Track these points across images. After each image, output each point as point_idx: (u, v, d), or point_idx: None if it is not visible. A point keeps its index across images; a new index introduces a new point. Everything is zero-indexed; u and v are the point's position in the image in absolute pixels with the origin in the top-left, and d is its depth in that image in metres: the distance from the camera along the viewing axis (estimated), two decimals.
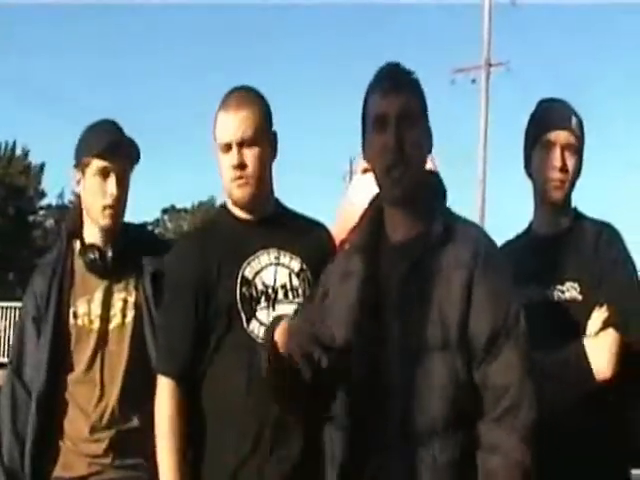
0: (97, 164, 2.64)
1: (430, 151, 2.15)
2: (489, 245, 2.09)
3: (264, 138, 2.43)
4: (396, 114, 2.05)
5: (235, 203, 2.46)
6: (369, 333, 2.05)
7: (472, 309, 1.99)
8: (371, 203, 2.20)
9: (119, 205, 2.67)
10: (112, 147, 2.63)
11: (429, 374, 1.97)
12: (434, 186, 2.16)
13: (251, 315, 2.38)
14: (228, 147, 2.40)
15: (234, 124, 2.40)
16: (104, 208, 2.65)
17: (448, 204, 2.17)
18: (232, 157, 2.39)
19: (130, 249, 2.70)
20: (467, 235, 2.07)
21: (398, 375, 1.99)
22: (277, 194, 2.55)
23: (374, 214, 2.18)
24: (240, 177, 2.40)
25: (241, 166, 2.39)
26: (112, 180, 2.64)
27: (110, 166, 2.64)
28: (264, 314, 2.38)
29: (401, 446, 1.97)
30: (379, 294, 2.07)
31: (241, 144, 2.39)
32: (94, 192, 2.65)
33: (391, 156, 2.05)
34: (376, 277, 2.09)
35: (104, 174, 2.64)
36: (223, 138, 2.41)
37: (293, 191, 2.55)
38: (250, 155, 2.40)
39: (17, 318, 2.99)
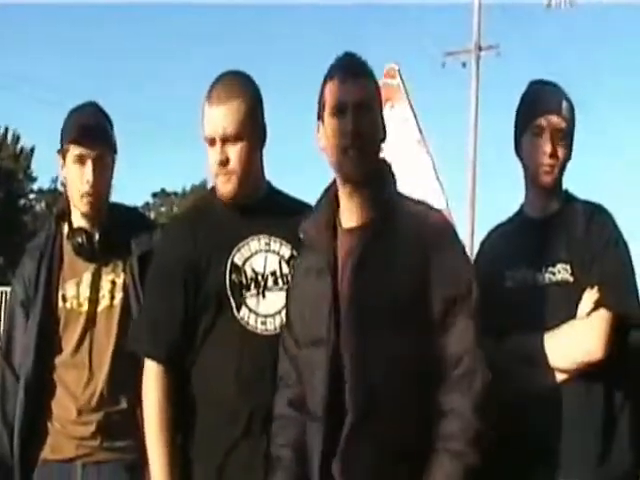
0: (74, 151, 2.63)
1: (384, 140, 2.20)
2: (440, 221, 2.18)
3: (249, 131, 2.38)
4: (354, 101, 2.13)
5: (221, 197, 2.44)
6: (330, 326, 2.10)
7: (425, 286, 2.05)
8: (326, 190, 2.25)
9: (97, 192, 2.65)
10: (86, 133, 2.62)
11: (382, 358, 2.04)
12: (386, 173, 2.22)
13: (241, 302, 2.37)
14: (212, 141, 2.37)
15: (217, 119, 2.36)
16: (82, 195, 2.64)
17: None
18: (216, 153, 2.37)
19: (118, 231, 2.69)
20: (417, 216, 2.14)
21: (355, 360, 2.05)
22: None
23: (328, 202, 2.23)
24: (224, 173, 2.38)
25: (224, 162, 2.37)
26: (88, 167, 2.62)
27: (86, 153, 2.62)
28: (253, 301, 2.38)
29: (365, 427, 2.04)
30: (335, 286, 2.13)
31: (224, 140, 2.36)
32: (73, 179, 2.66)
33: (349, 138, 2.12)
34: (333, 269, 2.15)
35: (81, 161, 2.63)
36: (207, 132, 2.38)
37: (290, 190, 2.54)
38: (234, 151, 2.37)
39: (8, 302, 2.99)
